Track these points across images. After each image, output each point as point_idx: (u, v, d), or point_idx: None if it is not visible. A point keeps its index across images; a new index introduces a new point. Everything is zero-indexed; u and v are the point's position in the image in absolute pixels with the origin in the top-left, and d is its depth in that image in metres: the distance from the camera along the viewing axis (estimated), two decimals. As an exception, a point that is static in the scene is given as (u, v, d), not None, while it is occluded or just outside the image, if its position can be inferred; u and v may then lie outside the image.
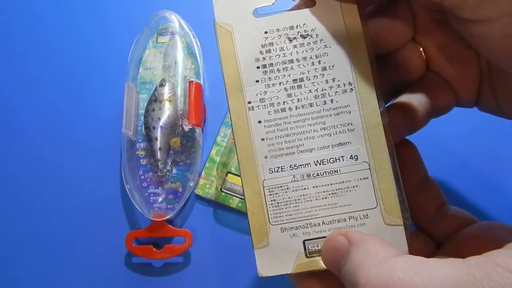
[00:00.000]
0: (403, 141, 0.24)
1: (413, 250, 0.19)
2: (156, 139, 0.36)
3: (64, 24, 0.42)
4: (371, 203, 0.19)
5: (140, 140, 0.38)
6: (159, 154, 0.36)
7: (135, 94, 0.38)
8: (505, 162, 0.35)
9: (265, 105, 0.20)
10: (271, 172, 0.20)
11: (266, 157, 0.20)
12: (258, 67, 0.20)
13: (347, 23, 0.20)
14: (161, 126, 0.36)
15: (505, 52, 0.17)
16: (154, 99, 0.37)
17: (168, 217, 0.36)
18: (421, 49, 0.23)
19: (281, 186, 0.20)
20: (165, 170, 0.37)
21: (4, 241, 0.38)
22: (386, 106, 0.23)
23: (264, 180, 0.20)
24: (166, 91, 0.37)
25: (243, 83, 0.21)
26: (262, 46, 0.20)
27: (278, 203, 0.20)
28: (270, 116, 0.20)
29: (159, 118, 0.36)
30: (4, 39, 0.42)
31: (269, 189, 0.20)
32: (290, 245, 0.20)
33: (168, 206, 0.37)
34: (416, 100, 0.23)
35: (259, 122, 0.20)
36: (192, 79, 0.37)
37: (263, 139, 0.20)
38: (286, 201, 0.20)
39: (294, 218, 0.20)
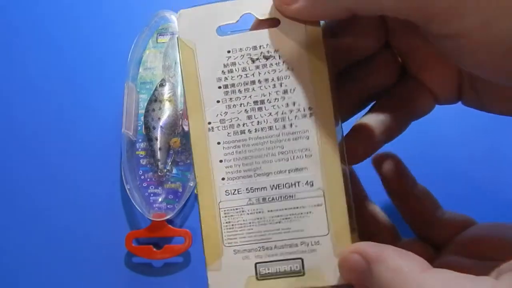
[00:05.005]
0: (386, 154, 0.24)
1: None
2: (156, 139, 0.36)
3: (64, 24, 0.42)
4: (323, 230, 0.19)
5: (140, 140, 0.38)
6: (159, 154, 0.36)
7: (135, 94, 0.38)
8: (501, 163, 0.35)
9: (225, 126, 0.20)
10: (228, 194, 0.20)
11: (223, 179, 0.20)
12: (219, 87, 0.20)
13: (310, 45, 0.19)
14: (161, 126, 0.36)
15: (477, 63, 0.17)
16: (154, 99, 0.37)
17: (168, 217, 0.36)
18: (395, 53, 0.23)
19: (236, 209, 0.20)
20: (165, 170, 0.37)
21: (4, 241, 0.38)
22: (362, 112, 0.23)
23: (220, 201, 0.20)
24: (166, 91, 0.37)
25: (204, 103, 0.20)
26: (225, 65, 0.20)
27: (232, 225, 0.20)
28: (229, 138, 0.20)
29: (159, 118, 0.36)
30: (5, 39, 0.42)
31: (224, 211, 0.20)
32: (242, 266, 0.20)
33: (168, 206, 0.37)
34: (376, 122, 0.22)
35: (218, 143, 0.20)
36: (192, 79, 0.37)
37: (221, 161, 0.20)
38: (241, 224, 0.20)
39: (247, 241, 0.20)
